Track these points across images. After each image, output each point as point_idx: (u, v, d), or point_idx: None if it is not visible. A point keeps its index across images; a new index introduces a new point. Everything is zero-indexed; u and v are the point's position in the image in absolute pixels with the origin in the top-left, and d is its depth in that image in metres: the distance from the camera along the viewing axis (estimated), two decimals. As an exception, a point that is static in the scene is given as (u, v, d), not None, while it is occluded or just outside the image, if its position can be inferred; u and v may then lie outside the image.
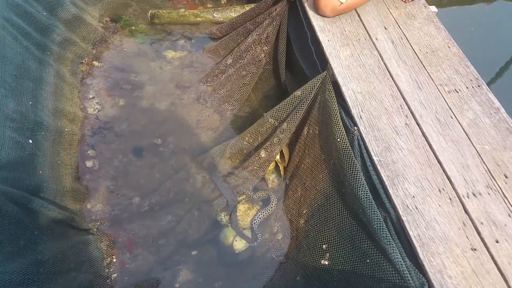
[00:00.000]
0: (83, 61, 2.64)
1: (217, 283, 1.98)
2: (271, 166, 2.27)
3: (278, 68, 2.61)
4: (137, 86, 2.61)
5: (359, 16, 2.30)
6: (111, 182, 2.21)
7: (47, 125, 2.08)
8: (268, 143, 2.11)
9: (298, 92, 2.03)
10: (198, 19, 2.98)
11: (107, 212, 2.12)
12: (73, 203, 2.07)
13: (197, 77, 2.67)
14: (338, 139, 1.79)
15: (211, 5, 3.19)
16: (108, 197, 2.16)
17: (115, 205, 2.14)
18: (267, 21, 2.52)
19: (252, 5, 2.72)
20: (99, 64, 2.68)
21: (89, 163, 2.24)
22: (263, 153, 2.12)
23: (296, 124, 2.10)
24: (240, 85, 2.63)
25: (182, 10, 2.98)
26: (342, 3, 2.16)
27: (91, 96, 2.50)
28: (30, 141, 1.94)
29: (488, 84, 2.01)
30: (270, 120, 2.10)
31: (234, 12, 2.96)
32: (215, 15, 2.97)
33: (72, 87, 2.47)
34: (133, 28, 2.96)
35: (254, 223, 2.10)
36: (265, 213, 2.13)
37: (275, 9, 2.49)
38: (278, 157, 2.25)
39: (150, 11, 2.96)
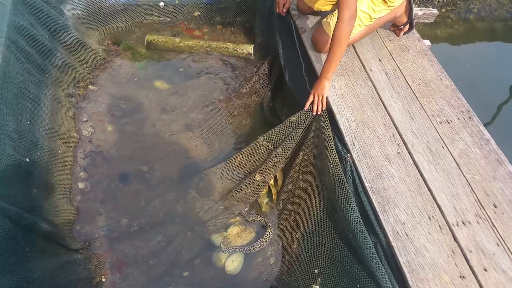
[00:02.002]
0: (80, 84, 2.72)
1: None
2: (264, 190, 2.30)
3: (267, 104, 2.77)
4: (126, 113, 2.67)
5: (354, 48, 2.39)
6: (100, 205, 2.24)
7: (42, 145, 2.13)
8: (262, 167, 2.14)
9: (293, 118, 2.09)
10: (192, 51, 3.10)
11: (96, 233, 2.13)
12: (63, 223, 2.09)
13: (186, 107, 2.76)
14: (331, 165, 1.83)
15: (207, 29, 3.32)
16: (97, 219, 2.18)
17: (103, 226, 2.15)
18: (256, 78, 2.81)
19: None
20: (95, 87, 2.77)
21: (81, 185, 2.28)
22: (257, 177, 2.15)
23: (291, 150, 2.14)
24: (230, 119, 2.73)
25: (178, 40, 3.08)
26: None
27: (84, 119, 2.57)
28: (27, 159, 1.99)
29: (479, 116, 2.06)
30: (264, 143, 2.15)
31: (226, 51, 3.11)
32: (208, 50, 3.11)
33: (68, 110, 2.54)
34: (133, 52, 3.06)
35: (248, 249, 2.11)
36: (261, 243, 2.13)
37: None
38: (272, 181, 2.28)
39: (146, 37, 3.06)
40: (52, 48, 2.54)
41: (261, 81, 2.86)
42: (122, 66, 2.96)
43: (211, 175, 2.25)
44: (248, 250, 2.10)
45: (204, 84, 2.91)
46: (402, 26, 2.45)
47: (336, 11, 2.07)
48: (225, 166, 2.24)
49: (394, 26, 2.53)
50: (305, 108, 2.06)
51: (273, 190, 2.28)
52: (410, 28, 2.45)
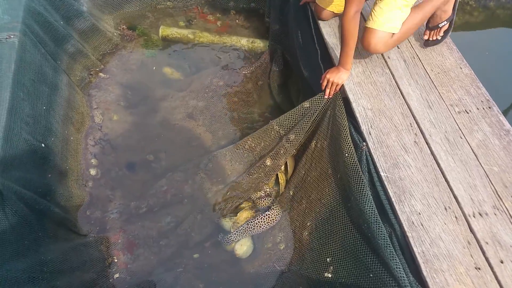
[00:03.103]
0: (91, 72, 2.74)
1: None
2: (272, 177, 2.29)
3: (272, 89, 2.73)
4: (134, 103, 2.69)
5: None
6: (110, 191, 2.28)
7: (56, 131, 2.16)
8: (273, 152, 2.13)
9: (306, 104, 2.07)
10: (206, 40, 3.10)
11: (107, 216, 2.17)
12: (75, 208, 2.13)
13: (191, 97, 2.75)
14: (346, 154, 1.82)
15: (220, 15, 3.29)
16: (108, 203, 2.23)
17: (113, 209, 2.20)
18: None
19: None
20: (105, 75, 2.78)
21: (93, 171, 2.32)
22: (268, 162, 2.15)
23: (303, 136, 2.12)
24: (232, 106, 2.73)
25: (192, 36, 3.07)
26: (394, 34, 2.06)
27: (95, 106, 2.60)
28: (43, 145, 2.01)
29: (500, 106, 2.01)
30: (275, 128, 2.13)
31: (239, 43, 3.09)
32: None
33: (81, 97, 2.56)
34: (146, 38, 3.06)
35: (250, 228, 2.12)
36: (265, 222, 2.13)
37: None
38: (282, 169, 2.28)
39: (160, 31, 3.05)
40: (66, 34, 2.55)
41: (264, 67, 2.85)
42: (133, 53, 2.97)
43: (221, 157, 2.25)
44: (251, 230, 2.10)
45: (212, 73, 2.89)
46: (443, 23, 2.14)
47: (372, 10, 2.03)
48: (235, 148, 2.24)
49: (430, 28, 2.20)
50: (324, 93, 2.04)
51: (281, 177, 2.26)
52: (450, 26, 2.18)
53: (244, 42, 3.08)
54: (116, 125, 2.55)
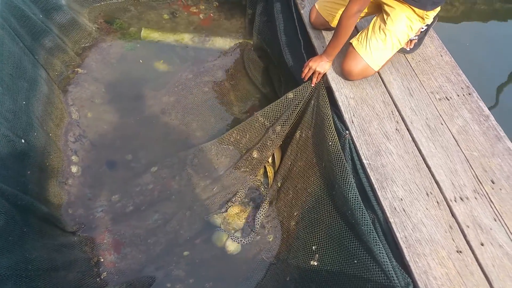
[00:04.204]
0: (69, 66, 2.69)
1: (208, 284, 1.99)
2: (261, 170, 2.29)
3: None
4: (112, 99, 2.65)
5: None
6: (90, 189, 2.24)
7: (36, 126, 2.11)
8: (260, 144, 2.13)
9: (290, 95, 2.07)
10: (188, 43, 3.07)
11: (91, 214, 2.14)
12: (57, 206, 2.09)
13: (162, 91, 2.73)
14: (330, 143, 1.83)
15: (203, 7, 3.27)
16: (91, 201, 2.19)
17: (97, 208, 2.16)
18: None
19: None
20: (82, 70, 2.73)
21: (74, 169, 2.28)
22: (255, 154, 2.15)
23: (289, 127, 2.13)
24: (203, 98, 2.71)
25: (172, 38, 3.05)
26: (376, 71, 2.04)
27: (71, 103, 2.55)
28: (23, 140, 1.97)
29: (479, 92, 2.04)
30: (260, 119, 2.13)
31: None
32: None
33: (58, 92, 2.52)
34: (123, 32, 3.01)
35: (257, 222, 2.13)
36: (262, 211, 2.15)
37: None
38: (270, 161, 2.28)
39: (142, 33, 3.01)
40: (44, 28, 2.49)
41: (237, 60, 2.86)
42: (112, 46, 2.93)
43: (206, 151, 2.24)
44: (247, 239, 2.11)
45: (190, 69, 2.87)
46: (414, 37, 2.15)
47: (365, 30, 2.01)
48: (220, 142, 2.22)
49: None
50: (304, 79, 2.04)
51: (269, 170, 2.27)
52: (420, 42, 2.22)
53: (222, 42, 3.07)
54: (93, 122, 2.51)
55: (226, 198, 2.21)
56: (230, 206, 2.18)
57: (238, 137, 2.21)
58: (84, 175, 2.28)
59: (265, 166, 2.30)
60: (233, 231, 2.12)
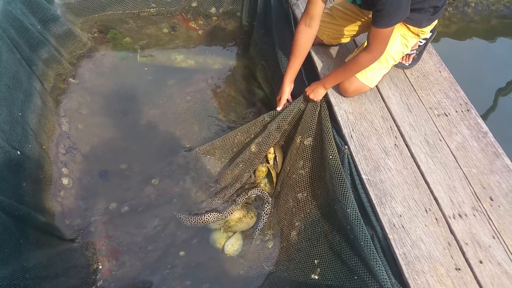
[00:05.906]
0: (62, 77, 2.69)
1: (205, 285, 1.97)
2: (264, 172, 2.28)
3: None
4: (96, 112, 2.64)
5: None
6: (82, 200, 2.22)
7: (32, 138, 2.11)
8: (259, 138, 2.12)
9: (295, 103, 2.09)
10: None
11: (87, 223, 2.12)
12: (51, 218, 2.08)
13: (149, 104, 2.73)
14: (330, 156, 1.83)
15: (202, 22, 3.29)
16: (85, 213, 2.17)
17: (92, 217, 2.15)
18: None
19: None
20: (75, 80, 2.73)
21: (65, 181, 2.26)
22: (253, 148, 2.12)
23: (288, 122, 2.12)
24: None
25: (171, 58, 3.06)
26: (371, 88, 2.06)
27: (62, 114, 2.54)
28: (19, 152, 1.97)
29: (477, 109, 2.05)
30: (266, 119, 2.13)
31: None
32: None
33: (51, 104, 2.51)
34: (116, 43, 3.02)
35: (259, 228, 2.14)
36: (264, 217, 2.16)
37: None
38: (271, 163, 2.27)
39: (138, 53, 3.01)
40: (41, 39, 2.50)
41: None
42: (105, 56, 2.93)
43: (206, 153, 2.26)
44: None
45: (183, 79, 2.89)
46: (412, 52, 2.19)
47: (359, 48, 2.02)
48: (223, 141, 2.26)
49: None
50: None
51: (273, 173, 2.24)
52: (419, 57, 2.24)
53: (219, 59, 3.09)
54: (84, 133, 2.49)
55: (223, 200, 2.20)
56: (232, 212, 2.15)
57: (242, 138, 2.24)
58: (75, 187, 2.26)
59: (268, 169, 2.28)
60: (233, 234, 2.12)
